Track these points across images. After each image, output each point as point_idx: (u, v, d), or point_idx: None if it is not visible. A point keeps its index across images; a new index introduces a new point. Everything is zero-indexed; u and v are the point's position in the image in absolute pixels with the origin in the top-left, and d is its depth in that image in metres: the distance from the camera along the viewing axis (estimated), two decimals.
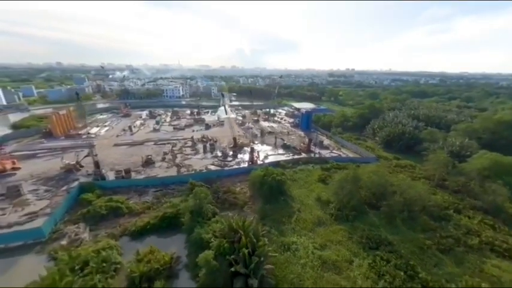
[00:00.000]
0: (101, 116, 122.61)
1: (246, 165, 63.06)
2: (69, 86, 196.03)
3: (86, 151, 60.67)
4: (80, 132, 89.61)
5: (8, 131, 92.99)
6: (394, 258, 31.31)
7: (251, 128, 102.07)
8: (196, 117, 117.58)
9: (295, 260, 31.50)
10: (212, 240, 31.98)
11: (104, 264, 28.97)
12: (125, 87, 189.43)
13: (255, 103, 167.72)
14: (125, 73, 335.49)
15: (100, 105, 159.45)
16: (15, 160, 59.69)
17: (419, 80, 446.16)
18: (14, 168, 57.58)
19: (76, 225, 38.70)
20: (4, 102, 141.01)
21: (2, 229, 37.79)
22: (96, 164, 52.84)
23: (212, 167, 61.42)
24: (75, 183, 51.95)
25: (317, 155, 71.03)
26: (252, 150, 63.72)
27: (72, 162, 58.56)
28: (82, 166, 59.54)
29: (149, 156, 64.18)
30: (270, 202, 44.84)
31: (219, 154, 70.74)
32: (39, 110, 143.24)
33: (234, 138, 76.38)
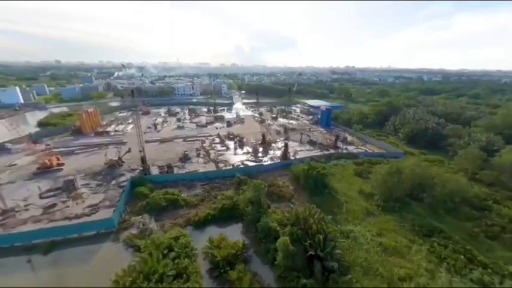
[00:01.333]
0: (121, 114, 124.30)
1: (278, 160, 65.25)
2: (81, 85, 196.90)
3: (126, 148, 62.84)
4: (107, 130, 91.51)
5: (37, 129, 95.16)
6: (451, 244, 33.71)
7: (272, 125, 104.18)
8: (215, 114, 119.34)
9: (357, 246, 33.82)
10: (278, 228, 34.36)
11: (186, 250, 31.25)
12: (136, 86, 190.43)
13: (267, 101, 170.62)
14: (132, 71, 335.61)
15: (113, 104, 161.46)
16: (59, 156, 61.77)
17: (422, 77, 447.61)
18: (58, 164, 59.74)
19: (140, 216, 40.92)
20: (22, 101, 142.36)
21: (70, 220, 40.08)
22: (143, 160, 54.95)
23: (249, 163, 63.59)
24: (123, 178, 54.32)
25: (344, 151, 73.26)
26: (286, 146, 65.84)
27: (115, 158, 60.67)
28: (123, 162, 61.72)
29: (186, 152, 66.34)
30: (316, 194, 47.25)
31: (249, 150, 72.90)
32: (55, 108, 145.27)
33: (263, 135, 78.55)
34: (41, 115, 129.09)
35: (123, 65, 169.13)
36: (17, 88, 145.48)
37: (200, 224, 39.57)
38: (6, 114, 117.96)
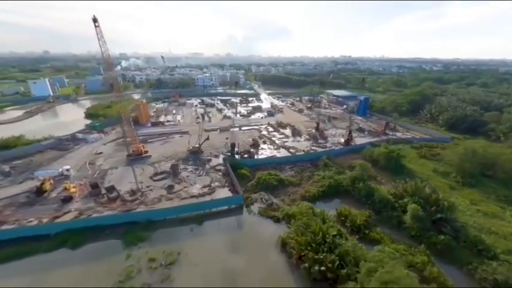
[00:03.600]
0: (158, 105, 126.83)
1: (341, 146, 70.82)
2: (100, 77, 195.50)
3: (204, 136, 67.34)
4: (161, 120, 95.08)
5: (87, 120, 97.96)
6: None
7: (311, 114, 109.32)
8: (253, 105, 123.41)
9: (460, 213, 40.24)
10: (392, 199, 40.58)
11: (325, 217, 37.03)
12: (157, 77, 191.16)
13: (287, 91, 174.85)
14: (139, 61, 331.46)
15: (136, 96, 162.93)
16: (143, 145, 65.92)
17: (422, 66, 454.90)
18: (145, 152, 64.02)
19: (258, 193, 46.38)
20: (51, 93, 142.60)
21: (197, 198, 45.20)
22: (233, 145, 59.79)
23: (316, 149, 69.11)
24: (213, 163, 59.29)
25: (393, 137, 79.38)
26: (350, 133, 71.48)
27: (196, 146, 65.22)
28: (202, 150, 66.30)
29: (255, 139, 71.29)
30: (397, 174, 53.39)
31: (308, 137, 78.30)
32: (84, 100, 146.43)
33: (317, 123, 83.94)
34: (74, 107, 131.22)
35: (162, 57, 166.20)
36: (47, 80, 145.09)
37: (312, 199, 45.25)
38: (45, 107, 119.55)
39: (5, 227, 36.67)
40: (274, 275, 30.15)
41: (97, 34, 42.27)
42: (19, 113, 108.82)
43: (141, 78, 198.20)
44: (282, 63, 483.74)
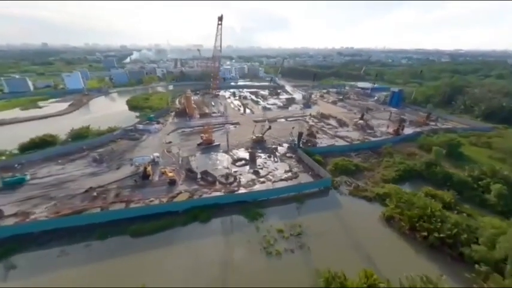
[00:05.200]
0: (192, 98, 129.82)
1: (390, 136, 75.01)
2: (122, 70, 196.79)
3: (266, 125, 71.38)
4: (207, 112, 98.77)
5: (132, 112, 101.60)
6: None
7: (345, 106, 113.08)
8: (287, 97, 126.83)
9: None
10: (471, 181, 45.26)
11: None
12: (180, 70, 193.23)
13: (307, 83, 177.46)
14: (150, 53, 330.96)
15: (159, 88, 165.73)
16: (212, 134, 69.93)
17: (429, 58, 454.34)
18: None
19: (339, 177, 50.95)
20: (83, 86, 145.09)
21: (287, 181, 49.71)
22: (300, 135, 63.94)
23: (370, 138, 73.40)
24: (282, 151, 63.59)
25: (436, 127, 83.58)
26: (401, 122, 75.65)
27: (260, 135, 69.32)
28: (265, 140, 70.34)
29: (310, 129, 75.41)
30: (457, 160, 57.94)
31: (354, 127, 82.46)
32: (113, 93, 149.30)
33: (363, 114, 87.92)
34: (108, 99, 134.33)
35: (198, 49, 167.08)
36: (79, 73, 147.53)
37: (391, 182, 49.78)
38: (85, 99, 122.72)
39: (132, 205, 41.27)
40: (392, 243, 34.97)
41: (217, 31, 45.60)
42: (61, 105, 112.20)
43: (162, 71, 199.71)
44: (286, 54, 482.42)
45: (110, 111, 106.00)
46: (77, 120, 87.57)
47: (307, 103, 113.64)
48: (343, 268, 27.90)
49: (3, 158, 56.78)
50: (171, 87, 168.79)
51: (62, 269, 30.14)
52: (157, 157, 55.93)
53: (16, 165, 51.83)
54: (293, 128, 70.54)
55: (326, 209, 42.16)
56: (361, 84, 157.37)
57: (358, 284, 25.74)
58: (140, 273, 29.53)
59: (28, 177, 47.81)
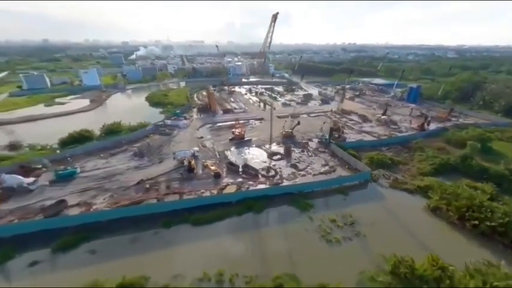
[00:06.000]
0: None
1: (414, 132, 76.27)
2: (134, 66, 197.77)
3: (295, 121, 72.78)
4: (229, 107, 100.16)
5: (153, 108, 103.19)
6: None
7: (364, 102, 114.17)
8: (304, 93, 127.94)
9: None
10: (508, 173, 46.75)
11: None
12: (192, 66, 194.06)
13: (320, 80, 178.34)
14: (157, 49, 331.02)
15: (171, 85, 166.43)
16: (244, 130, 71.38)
17: (435, 53, 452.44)
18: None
19: (377, 170, 52.53)
20: (99, 82, 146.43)
21: (325, 175, 51.39)
22: (331, 130, 65.43)
23: (396, 133, 74.78)
24: (312, 146, 65.16)
25: (457, 122, 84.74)
26: (427, 118, 76.94)
27: (290, 130, 70.80)
28: (294, 135, 71.81)
29: (336, 125, 76.75)
30: (486, 154, 59.32)
31: (378, 123, 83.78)
32: (128, 90, 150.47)
33: (385, 110, 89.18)
34: (124, 96, 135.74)
35: (217, 46, 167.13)
36: (95, 70, 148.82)
37: (427, 175, 51.31)
38: (104, 95, 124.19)
39: (185, 196, 43.08)
40: (442, 231, 36.71)
41: (269, 28, 46.72)
42: (81, 101, 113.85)
43: (174, 67, 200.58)
44: (290, 51, 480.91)
45: (131, 107, 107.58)
46: (102, 116, 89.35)
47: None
48: (403, 254, 29.66)
49: (45, 152, 58.50)
50: (182, 83, 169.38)
51: (140, 253, 32.08)
52: (197, 151, 57.58)
53: (69, 158, 53.68)
54: (324, 123, 72.02)
55: (371, 200, 43.85)
56: (376, 80, 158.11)
57: (427, 267, 27.46)
58: (210, 259, 31.40)
59: (78, 170, 49.63)
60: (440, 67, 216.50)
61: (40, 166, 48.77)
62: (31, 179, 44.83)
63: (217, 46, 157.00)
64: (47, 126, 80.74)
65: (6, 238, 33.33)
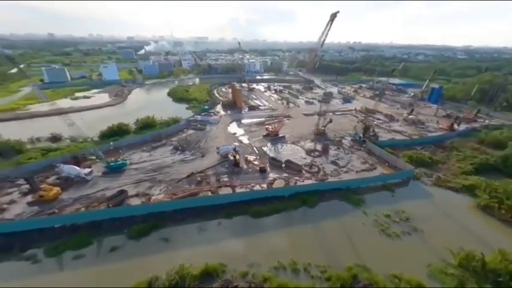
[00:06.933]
0: (224, 89, 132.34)
1: (443, 132, 76.69)
2: (151, 62, 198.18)
3: (327, 119, 73.56)
4: (254, 104, 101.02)
5: (178, 104, 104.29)
6: None
7: (385, 101, 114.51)
8: (325, 91, 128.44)
9: None
10: None
11: None
12: (208, 64, 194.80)
13: (332, 78, 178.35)
14: (167, 45, 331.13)
15: (188, 81, 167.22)
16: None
17: (445, 53, 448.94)
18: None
19: (418, 169, 53.34)
20: (119, 77, 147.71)
21: (367, 172, 52.32)
22: (367, 128, 66.22)
23: (426, 133, 75.36)
24: (346, 144, 66.06)
25: (484, 123, 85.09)
26: (457, 119, 77.39)
27: (322, 128, 71.68)
28: (326, 132, 72.66)
29: (366, 123, 77.37)
30: None
31: (405, 123, 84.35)
32: (146, 85, 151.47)
33: (412, 109, 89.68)
34: (143, 91, 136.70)
35: (239, 43, 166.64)
36: (115, 65, 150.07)
37: (468, 175, 52.04)
38: (126, 90, 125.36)
39: (238, 189, 44.25)
40: (496, 228, 37.62)
41: (326, 26, 47.47)
42: (104, 95, 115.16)
43: (188, 63, 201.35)
44: (296, 48, 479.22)
45: (155, 102, 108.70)
46: (129, 110, 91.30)
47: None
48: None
49: (86, 144, 59.74)
50: (197, 79, 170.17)
51: (209, 242, 33.42)
52: (238, 146, 58.67)
53: (120, 150, 55.06)
54: (358, 122, 72.71)
55: (418, 198, 44.78)
56: (392, 80, 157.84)
57: (499, 262, 28.44)
58: (276, 249, 32.62)
59: (128, 162, 50.95)
60: (454, 68, 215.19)
61: (94, 157, 50.07)
62: (87, 170, 46.16)
63: (239, 43, 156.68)
64: (78, 119, 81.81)
65: (81, 225, 34.72)
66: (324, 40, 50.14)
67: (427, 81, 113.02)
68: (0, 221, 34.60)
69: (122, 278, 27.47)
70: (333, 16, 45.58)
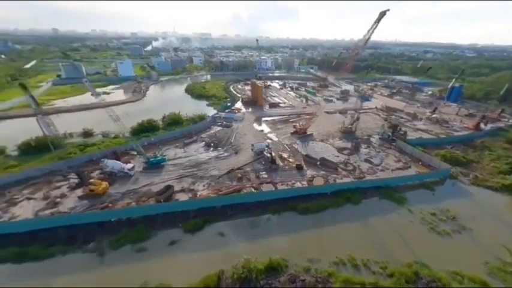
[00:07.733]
0: (240, 86, 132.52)
1: (469, 132, 76.35)
2: (163, 58, 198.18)
3: (355, 116, 73.55)
4: (274, 102, 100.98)
5: (197, 101, 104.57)
6: None
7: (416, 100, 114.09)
8: (342, 88, 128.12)
9: None
10: None
11: None
12: (220, 60, 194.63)
13: (343, 76, 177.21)
14: (176, 41, 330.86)
15: (201, 77, 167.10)
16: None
17: (451, 51, 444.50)
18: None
19: (454, 168, 53.30)
20: (134, 73, 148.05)
21: (402, 170, 52.46)
22: (395, 127, 66.22)
23: (452, 132, 75.15)
24: (374, 141, 66.14)
25: (509, 122, 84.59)
26: (483, 118, 77.05)
27: (350, 126, 71.70)
28: (353, 130, 72.63)
29: (393, 122, 77.36)
30: None
31: (429, 121, 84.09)
32: (160, 81, 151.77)
33: (435, 108, 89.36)
34: (158, 87, 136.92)
35: (257, 40, 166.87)
36: (130, 61, 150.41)
37: (504, 174, 51.95)
38: (143, 86, 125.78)
39: (279, 186, 44.69)
40: None
41: (373, 25, 47.31)
42: (120, 91, 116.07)
43: (200, 60, 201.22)
44: (301, 45, 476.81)
45: (174, 99, 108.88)
46: (150, 107, 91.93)
47: (366, 96, 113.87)
48: None
49: (121, 140, 60.35)
50: (208, 76, 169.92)
51: (263, 237, 33.99)
52: (270, 143, 59.00)
53: (159, 146, 55.66)
54: (386, 120, 72.64)
55: (459, 196, 44.95)
56: (404, 78, 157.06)
57: None
58: (330, 245, 33.12)
59: (166, 158, 51.51)
60: (468, 66, 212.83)
61: (135, 153, 50.67)
62: (130, 165, 46.81)
63: (257, 40, 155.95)
64: (103, 115, 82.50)
65: (136, 219, 35.37)
66: (369, 38, 49.87)
67: (454, 80, 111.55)
68: (59, 214, 35.35)
69: (188, 273, 28.10)
70: (382, 14, 45.21)
